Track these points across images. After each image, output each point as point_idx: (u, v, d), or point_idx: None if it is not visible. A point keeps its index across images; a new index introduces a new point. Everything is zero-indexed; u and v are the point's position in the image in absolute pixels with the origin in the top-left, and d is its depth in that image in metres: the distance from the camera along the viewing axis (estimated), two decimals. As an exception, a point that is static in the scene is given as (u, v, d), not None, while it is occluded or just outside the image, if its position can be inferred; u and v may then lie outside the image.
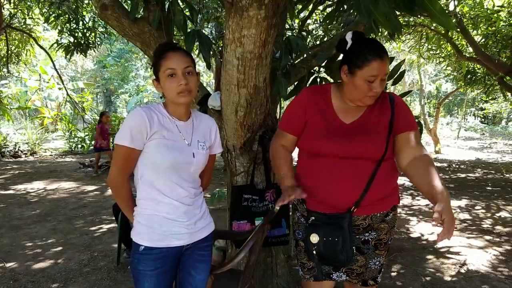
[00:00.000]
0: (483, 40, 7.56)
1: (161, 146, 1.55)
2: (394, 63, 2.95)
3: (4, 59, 9.04)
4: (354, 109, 1.75)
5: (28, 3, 7.60)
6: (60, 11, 5.91)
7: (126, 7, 2.70)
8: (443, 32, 7.32)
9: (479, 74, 8.88)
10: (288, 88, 2.75)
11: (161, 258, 1.60)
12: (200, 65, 14.86)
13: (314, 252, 1.74)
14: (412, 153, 1.67)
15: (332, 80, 2.88)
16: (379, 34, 5.83)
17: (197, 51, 2.70)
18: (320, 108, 1.76)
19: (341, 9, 3.08)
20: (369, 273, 1.83)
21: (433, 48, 8.63)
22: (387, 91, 1.95)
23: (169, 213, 1.59)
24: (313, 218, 1.78)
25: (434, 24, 7.18)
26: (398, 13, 2.37)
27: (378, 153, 1.66)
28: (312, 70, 2.88)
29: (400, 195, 1.90)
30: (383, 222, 1.78)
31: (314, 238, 1.73)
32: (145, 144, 1.55)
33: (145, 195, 1.61)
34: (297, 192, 1.70)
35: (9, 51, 8.87)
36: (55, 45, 6.62)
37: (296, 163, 1.99)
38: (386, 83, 2.86)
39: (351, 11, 3.07)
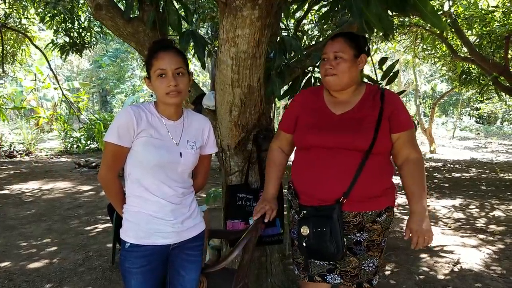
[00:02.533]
0: (478, 40, 7.60)
1: (148, 145, 1.56)
2: (388, 63, 2.97)
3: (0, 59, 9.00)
4: (345, 102, 1.82)
5: (23, 3, 7.54)
6: (55, 11, 5.89)
7: (121, 7, 2.70)
8: (438, 32, 7.35)
9: (473, 74, 8.91)
10: (282, 88, 2.77)
11: (147, 256, 1.60)
12: (196, 65, 14.85)
13: (305, 244, 1.76)
14: (405, 154, 1.78)
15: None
16: (374, 34, 5.85)
17: (192, 51, 2.71)
18: (313, 105, 1.86)
19: (336, 9, 3.09)
20: (363, 275, 1.81)
21: (428, 48, 8.65)
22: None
23: (155, 211, 1.60)
24: (304, 212, 1.80)
25: (429, 25, 7.20)
26: (391, 13, 2.38)
27: (365, 143, 1.69)
28: (306, 70, 2.90)
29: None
30: (376, 223, 1.77)
31: (305, 231, 1.76)
32: (133, 142, 1.57)
33: (132, 192, 1.63)
34: (262, 212, 1.91)
35: (4, 51, 8.82)
36: (51, 45, 6.60)
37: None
38: (381, 83, 2.89)
39: (345, 11, 3.08)
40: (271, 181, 1.99)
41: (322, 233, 1.71)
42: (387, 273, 3.40)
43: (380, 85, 2.24)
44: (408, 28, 7.58)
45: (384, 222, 1.79)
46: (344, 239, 1.73)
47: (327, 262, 1.82)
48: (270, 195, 1.97)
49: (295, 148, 1.96)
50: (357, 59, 1.77)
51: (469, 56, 7.55)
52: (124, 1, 3.42)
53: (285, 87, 2.99)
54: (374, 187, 1.74)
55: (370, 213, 1.76)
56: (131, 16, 2.63)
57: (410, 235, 1.76)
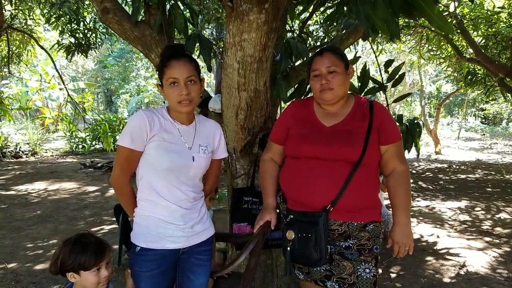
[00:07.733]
0: (483, 41, 7.56)
1: (160, 148, 1.58)
2: (394, 64, 2.98)
3: (5, 60, 9.05)
4: (335, 114, 1.85)
5: (29, 4, 7.60)
6: (61, 12, 5.92)
7: (127, 11, 2.71)
8: (443, 33, 7.32)
9: (479, 75, 8.87)
10: (288, 91, 2.77)
11: (156, 260, 1.61)
12: (201, 67, 14.83)
13: (289, 248, 1.78)
14: (392, 166, 1.83)
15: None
16: (379, 35, 5.82)
17: (198, 53, 2.72)
18: (303, 117, 1.90)
19: (341, 11, 3.09)
20: (361, 284, 1.75)
21: (434, 49, 8.62)
22: (387, 91, 2.00)
23: (165, 215, 1.62)
24: (291, 216, 1.83)
25: (434, 26, 7.17)
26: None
27: (355, 154, 1.72)
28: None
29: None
30: (363, 231, 1.78)
31: (290, 235, 1.78)
32: (145, 146, 1.58)
33: (144, 196, 1.64)
34: (266, 221, 1.90)
35: (10, 52, 8.88)
36: (56, 45, 6.64)
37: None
38: (386, 84, 2.88)
39: (351, 13, 3.08)
40: (270, 192, 1.98)
41: (307, 238, 1.73)
42: (393, 276, 3.40)
43: (373, 96, 2.25)
44: (413, 29, 7.55)
45: (372, 231, 1.79)
46: (328, 246, 1.74)
47: (323, 268, 1.81)
48: (270, 207, 1.97)
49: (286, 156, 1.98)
50: (347, 71, 1.82)
51: (474, 57, 7.51)
52: (130, 5, 3.43)
53: (291, 90, 2.98)
54: (361, 197, 1.76)
55: (355, 224, 1.76)
56: (138, 19, 2.64)
57: (392, 244, 1.82)
